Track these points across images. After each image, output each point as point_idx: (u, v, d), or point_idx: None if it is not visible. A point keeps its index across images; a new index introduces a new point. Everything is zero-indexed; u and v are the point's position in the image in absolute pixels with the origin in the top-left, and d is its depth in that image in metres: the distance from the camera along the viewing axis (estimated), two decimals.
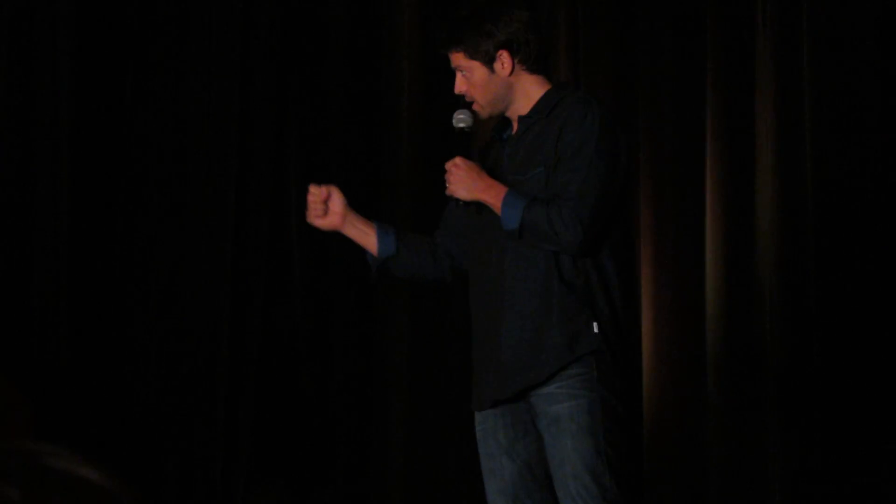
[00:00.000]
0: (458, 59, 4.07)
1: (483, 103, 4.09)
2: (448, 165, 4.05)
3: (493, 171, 4.08)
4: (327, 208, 4.18)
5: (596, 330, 4.00)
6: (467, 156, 4.07)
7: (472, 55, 4.05)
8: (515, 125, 4.13)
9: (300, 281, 6.20)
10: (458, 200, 4.07)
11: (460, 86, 4.09)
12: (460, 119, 4.11)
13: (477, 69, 4.06)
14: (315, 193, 4.17)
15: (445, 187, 4.08)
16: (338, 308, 6.20)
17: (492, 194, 4.00)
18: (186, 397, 6.15)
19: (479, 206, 4.06)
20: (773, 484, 5.80)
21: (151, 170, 6.28)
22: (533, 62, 4.09)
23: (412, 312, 6.18)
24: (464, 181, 4.02)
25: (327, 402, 6.16)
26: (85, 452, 1.46)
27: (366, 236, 4.21)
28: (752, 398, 5.96)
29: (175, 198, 6.26)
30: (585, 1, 6.16)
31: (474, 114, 4.12)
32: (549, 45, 4.20)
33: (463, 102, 4.13)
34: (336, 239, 6.05)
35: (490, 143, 4.22)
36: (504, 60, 4.06)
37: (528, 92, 4.10)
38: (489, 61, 4.06)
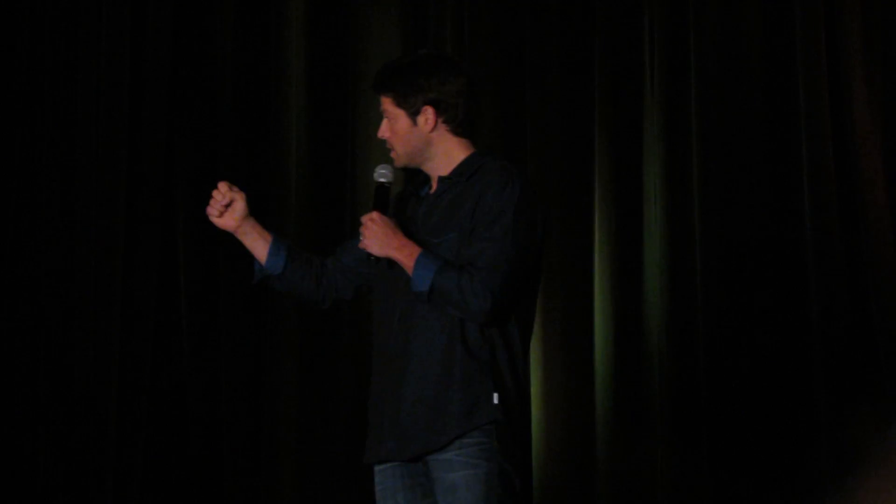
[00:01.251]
0: (385, 103, 4.09)
1: (400, 152, 4.10)
2: (364, 219, 4.03)
3: (406, 227, 4.07)
4: (226, 210, 4.19)
5: (496, 401, 3.97)
6: (384, 212, 4.05)
7: (399, 104, 4.06)
8: (434, 184, 4.11)
9: (188, 336, 6.15)
10: (370, 255, 4.05)
11: (383, 131, 4.11)
12: (381, 174, 4.11)
13: (401, 118, 4.07)
14: (220, 193, 4.18)
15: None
16: (226, 359, 6.17)
17: (405, 253, 4.00)
18: (77, 439, 6.09)
19: (390, 263, 4.04)
20: None
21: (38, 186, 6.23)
22: (458, 125, 4.08)
23: (301, 355, 6.18)
24: (378, 237, 4.01)
25: (216, 445, 6.13)
26: None
27: (257, 248, 4.24)
28: (641, 455, 6.01)
29: (64, 206, 6.21)
30: (472, 42, 6.20)
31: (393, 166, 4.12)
32: (478, 112, 4.17)
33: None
34: (225, 267, 6.10)
35: (405, 196, 4.20)
36: (428, 116, 4.06)
37: (450, 153, 4.09)
38: (414, 114, 4.06)
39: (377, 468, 4.09)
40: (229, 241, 5.92)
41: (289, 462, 6.14)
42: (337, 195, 6.24)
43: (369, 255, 4.04)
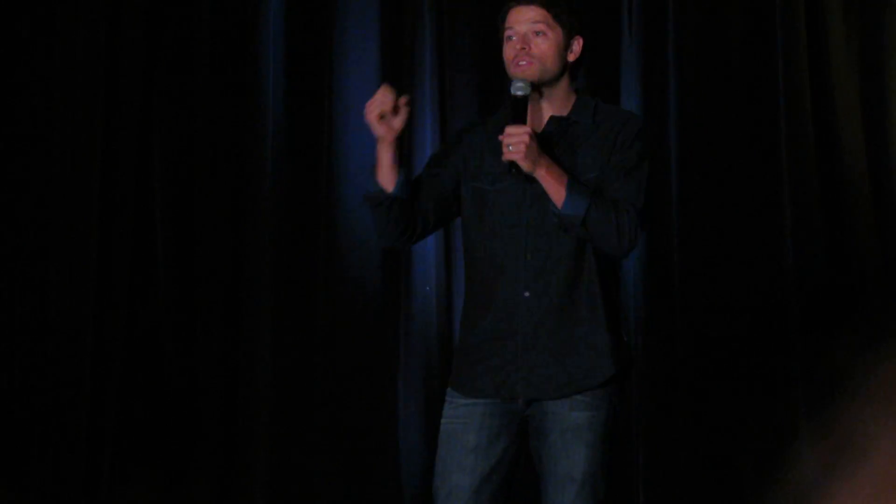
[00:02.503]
0: (541, 14, 3.99)
1: (540, 66, 3.98)
2: (516, 131, 3.88)
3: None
4: (389, 117, 3.97)
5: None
6: (524, 123, 3.90)
7: (559, 21, 3.99)
8: (542, 118, 4.04)
9: (164, 277, 6.12)
10: (513, 168, 3.91)
11: (527, 40, 3.98)
12: (519, 87, 3.95)
13: (556, 35, 3.98)
14: (383, 95, 3.96)
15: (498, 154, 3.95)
16: (203, 304, 6.14)
17: (555, 174, 3.90)
18: (50, 388, 6.04)
19: (529, 180, 3.94)
20: None
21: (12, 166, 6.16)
22: (582, 63, 4.06)
23: (276, 312, 6.15)
24: (532, 152, 3.88)
25: (192, 393, 6.10)
26: None
27: (390, 168, 4.00)
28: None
29: (38, 186, 6.14)
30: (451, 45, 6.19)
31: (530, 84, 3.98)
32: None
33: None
34: (201, 239, 6.07)
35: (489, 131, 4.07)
36: (577, 46, 4.02)
37: (567, 90, 4.05)
38: (569, 35, 4.01)
39: (462, 400, 4.02)
40: (205, 190, 6.03)
41: (264, 416, 6.12)
42: (314, 156, 6.21)
43: (511, 168, 3.91)
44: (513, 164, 3.89)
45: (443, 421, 4.03)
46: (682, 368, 6.01)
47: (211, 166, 6.14)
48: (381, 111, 3.96)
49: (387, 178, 4.01)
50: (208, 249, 6.14)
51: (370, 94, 5.66)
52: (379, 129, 3.97)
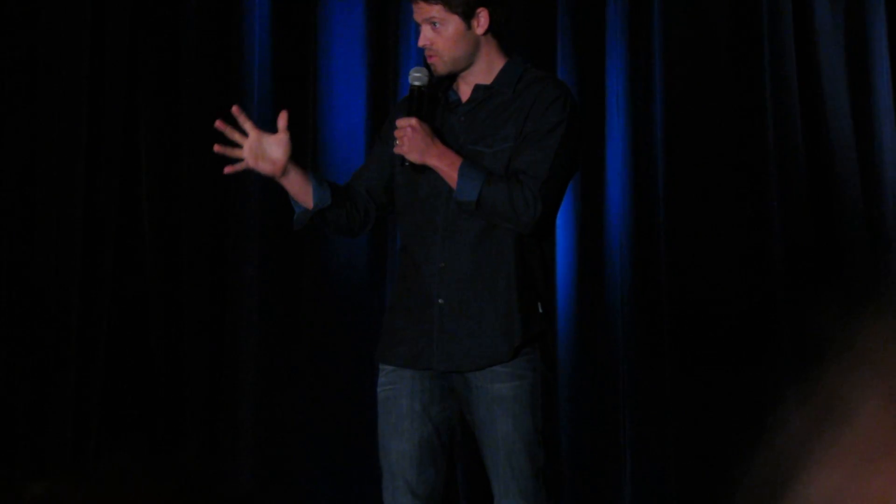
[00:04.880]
0: (432, 10, 3.95)
1: (446, 59, 3.98)
2: (402, 124, 3.93)
3: (440, 135, 3.97)
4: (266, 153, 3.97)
5: (541, 311, 4.00)
6: (421, 117, 3.93)
7: (452, 9, 3.95)
8: (465, 90, 4.04)
9: (150, 245, 6.12)
10: (405, 161, 3.95)
11: (426, 37, 3.97)
12: (417, 77, 3.99)
13: (452, 23, 3.95)
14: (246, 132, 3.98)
15: (393, 145, 3.96)
16: (189, 271, 6.13)
17: (446, 162, 3.92)
18: (36, 354, 6.04)
19: (425, 170, 3.96)
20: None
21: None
22: (502, 25, 4.01)
23: (263, 279, 6.15)
24: (418, 144, 3.91)
25: (178, 359, 6.10)
26: None
27: (301, 186, 4.01)
28: (603, 358, 6.08)
29: (24, 169, 6.12)
30: None
31: (430, 71, 4.00)
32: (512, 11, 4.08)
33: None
34: (187, 224, 6.06)
35: (430, 104, 4.05)
36: (482, 18, 3.97)
37: (491, 59, 4.02)
38: (467, 17, 3.96)
39: (389, 368, 4.04)
40: (188, 156, 6.01)
41: (250, 372, 6.14)
42: (299, 148, 6.17)
43: (404, 161, 3.94)
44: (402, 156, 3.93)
45: (378, 391, 4.06)
46: (670, 344, 6.04)
47: (196, 156, 6.11)
48: (248, 156, 3.97)
49: (302, 198, 4.03)
50: (194, 220, 6.14)
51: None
52: (265, 169, 3.99)
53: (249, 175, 5.95)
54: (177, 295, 6.12)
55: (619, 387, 6.07)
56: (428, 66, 4.01)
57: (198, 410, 6.11)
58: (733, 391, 5.89)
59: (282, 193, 5.98)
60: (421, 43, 3.99)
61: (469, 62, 4.00)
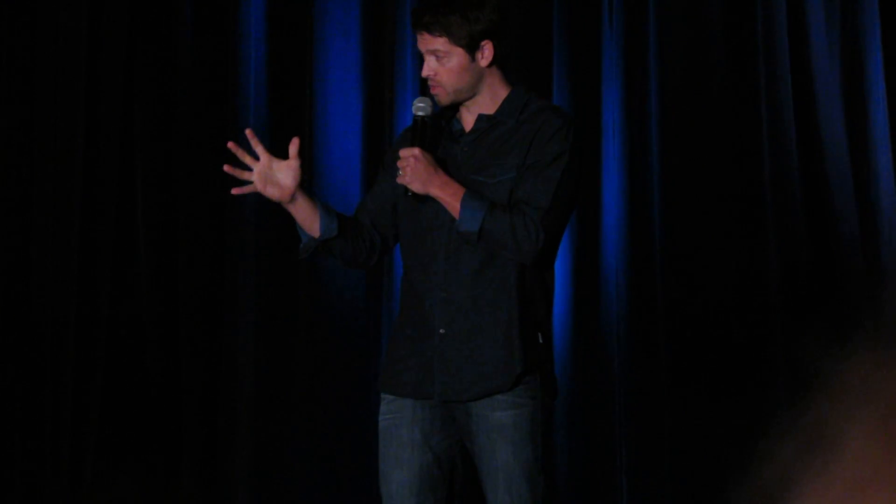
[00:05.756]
0: (436, 42, 3.96)
1: (450, 90, 4.00)
2: (405, 154, 3.94)
3: (443, 165, 3.98)
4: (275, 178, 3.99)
5: (541, 340, 4.02)
6: (424, 147, 3.95)
7: (456, 42, 3.95)
8: (469, 119, 4.06)
9: (146, 268, 6.12)
10: (408, 191, 3.96)
11: (430, 68, 3.98)
12: (420, 107, 4.01)
13: (457, 56, 3.97)
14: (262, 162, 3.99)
15: (396, 175, 3.97)
16: (185, 295, 6.13)
17: (449, 192, 3.93)
18: (34, 378, 6.04)
19: (428, 200, 3.97)
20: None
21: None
22: (505, 57, 4.03)
23: (259, 304, 6.15)
24: (420, 174, 3.92)
25: (174, 385, 6.10)
26: None
27: (308, 214, 4.03)
28: (599, 376, 6.08)
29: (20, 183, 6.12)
30: None
31: (433, 101, 4.02)
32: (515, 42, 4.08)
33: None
34: (184, 234, 6.06)
35: (433, 134, 4.07)
36: (486, 51, 3.98)
37: (494, 88, 4.03)
38: (472, 49, 3.97)
39: (391, 397, 4.06)
40: (186, 171, 6.02)
41: (247, 397, 6.14)
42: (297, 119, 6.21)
43: (407, 191, 3.95)
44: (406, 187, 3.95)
45: (379, 419, 4.07)
46: (665, 369, 6.05)
47: (193, 167, 6.11)
48: (257, 180, 3.97)
49: (309, 226, 4.06)
50: (191, 243, 6.14)
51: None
52: (273, 195, 4.00)
53: (246, 198, 6.04)
54: (172, 319, 6.12)
55: (614, 413, 6.08)
56: (431, 96, 4.04)
57: (194, 437, 6.11)
58: (730, 418, 5.89)
59: (278, 217, 6.03)
60: (424, 73, 4.01)
61: (472, 93, 4.02)
